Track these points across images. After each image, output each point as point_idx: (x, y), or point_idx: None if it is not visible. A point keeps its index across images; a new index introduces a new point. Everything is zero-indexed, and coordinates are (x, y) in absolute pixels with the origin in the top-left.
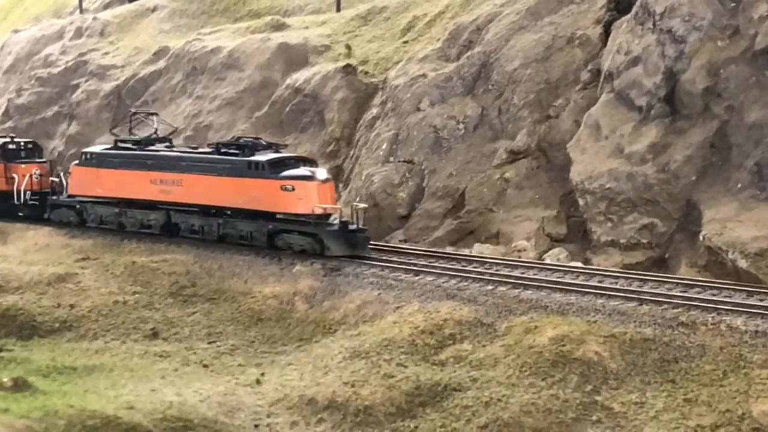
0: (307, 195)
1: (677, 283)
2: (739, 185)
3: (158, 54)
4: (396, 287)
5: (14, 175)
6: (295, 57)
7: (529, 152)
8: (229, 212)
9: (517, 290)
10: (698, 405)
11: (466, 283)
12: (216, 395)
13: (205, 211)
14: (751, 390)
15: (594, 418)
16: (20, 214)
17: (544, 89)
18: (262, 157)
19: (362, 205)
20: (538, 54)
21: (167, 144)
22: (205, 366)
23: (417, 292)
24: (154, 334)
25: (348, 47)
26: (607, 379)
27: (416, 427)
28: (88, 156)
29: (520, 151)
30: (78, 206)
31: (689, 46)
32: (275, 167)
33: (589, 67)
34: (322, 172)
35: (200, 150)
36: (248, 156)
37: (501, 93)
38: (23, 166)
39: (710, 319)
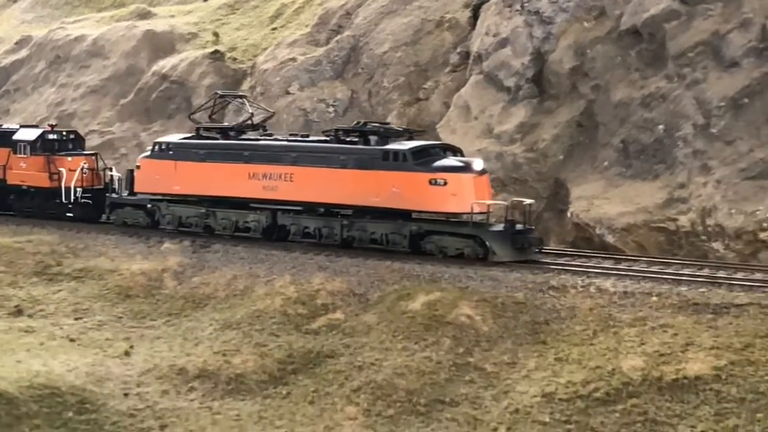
0: (462, 190)
1: (549, 252)
2: (606, 163)
3: (20, 43)
4: (267, 261)
5: (60, 169)
6: (161, 44)
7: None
8: (350, 212)
9: (389, 261)
10: (569, 363)
11: (336, 257)
12: (84, 366)
13: (314, 210)
14: (621, 347)
15: (467, 378)
16: (69, 215)
17: (414, 72)
18: (402, 145)
19: (528, 201)
20: (407, 37)
21: (263, 132)
22: (71, 340)
23: (288, 266)
24: (18, 311)
25: (215, 34)
26: (480, 341)
27: (288, 393)
28: (163, 147)
29: None
30: (150, 206)
31: (556, 27)
32: (419, 157)
33: (459, 50)
34: (478, 162)
35: (314, 139)
36: (381, 144)
37: (371, 76)
38: (70, 159)
39: (580, 282)
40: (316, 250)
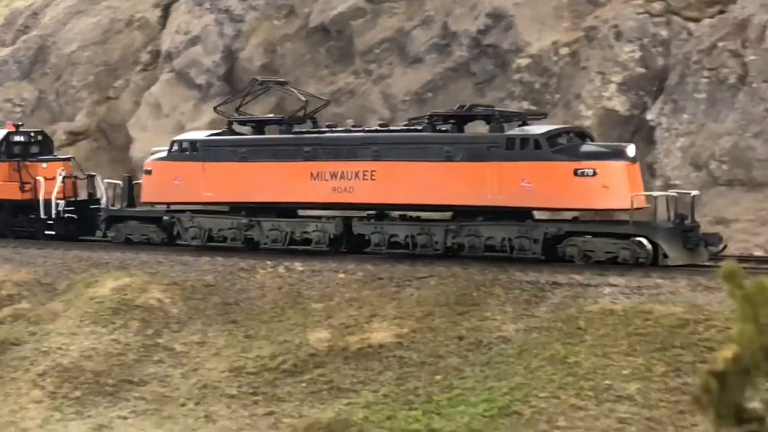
0: (615, 181)
1: None
2: None
3: None
4: None
5: (36, 178)
6: None
7: (89, 133)
8: (452, 213)
9: (76, 250)
10: (258, 339)
11: (24, 248)
12: None
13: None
14: (308, 321)
15: (156, 358)
16: (49, 232)
17: (104, 71)
18: (531, 130)
19: (694, 192)
20: (96, 37)
21: (314, 123)
22: None
23: None
24: None
25: None
26: (169, 323)
27: None
28: (185, 146)
29: (79, 132)
30: (169, 218)
31: (247, 25)
32: (555, 143)
33: (149, 49)
34: (631, 148)
35: (399, 128)
36: (499, 131)
37: (59, 76)
38: (45, 165)
39: (269, 263)
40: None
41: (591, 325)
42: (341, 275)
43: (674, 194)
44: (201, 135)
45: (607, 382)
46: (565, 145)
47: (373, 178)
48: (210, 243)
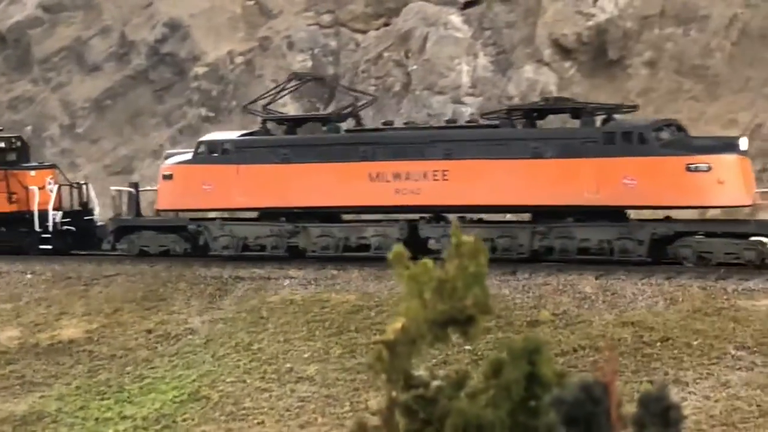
0: (730, 175)
1: None
2: None
3: None
4: None
5: (29, 187)
6: None
7: None
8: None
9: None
10: None
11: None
12: None
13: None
14: None
15: None
16: (44, 247)
17: None
18: (634, 124)
19: None
20: None
21: (357, 121)
22: None
23: None
24: None
25: None
26: None
27: None
28: (214, 147)
29: None
30: (195, 227)
31: None
32: (660, 137)
33: None
34: (743, 141)
35: (474, 124)
36: (591, 125)
37: None
38: (33, 174)
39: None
40: None
41: (273, 314)
42: (29, 276)
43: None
44: (232, 135)
45: (289, 365)
46: (672, 138)
47: (445, 178)
48: (246, 252)
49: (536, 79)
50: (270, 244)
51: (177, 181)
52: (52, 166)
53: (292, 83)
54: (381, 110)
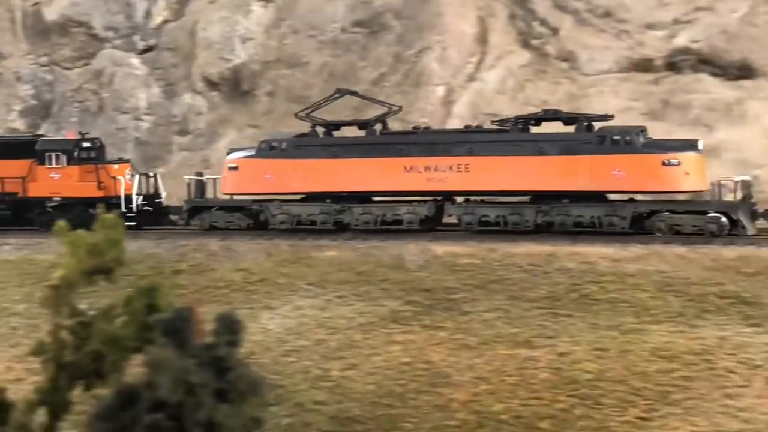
0: (693, 168)
1: None
2: None
3: None
4: None
5: (117, 177)
6: None
7: None
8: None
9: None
10: None
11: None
12: None
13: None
14: None
15: None
16: (129, 224)
17: None
18: (621, 129)
19: (753, 176)
20: None
21: (384, 126)
22: None
23: None
24: None
25: None
26: None
27: None
28: (274, 145)
29: None
30: (257, 206)
31: None
32: (640, 139)
33: None
34: (701, 142)
35: (490, 129)
36: (587, 130)
37: None
38: (116, 167)
39: None
40: None
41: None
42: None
43: (748, 178)
44: (288, 136)
45: (6, 305)
46: (648, 140)
47: (467, 170)
48: (299, 226)
49: (193, 103)
50: (320, 220)
51: (242, 171)
52: (128, 161)
53: (335, 95)
54: (83, 125)
